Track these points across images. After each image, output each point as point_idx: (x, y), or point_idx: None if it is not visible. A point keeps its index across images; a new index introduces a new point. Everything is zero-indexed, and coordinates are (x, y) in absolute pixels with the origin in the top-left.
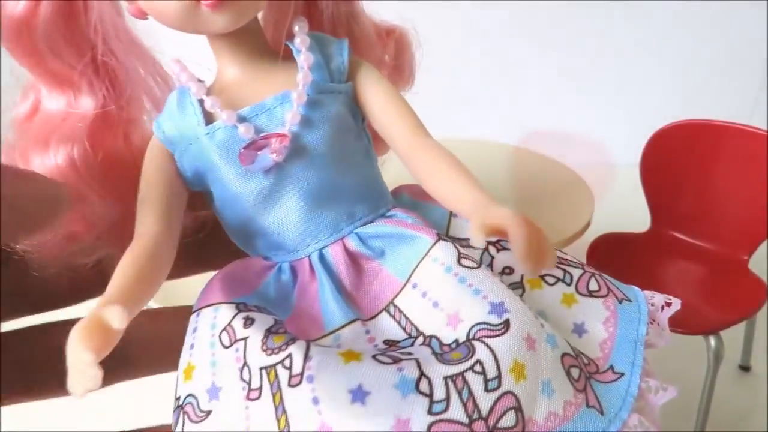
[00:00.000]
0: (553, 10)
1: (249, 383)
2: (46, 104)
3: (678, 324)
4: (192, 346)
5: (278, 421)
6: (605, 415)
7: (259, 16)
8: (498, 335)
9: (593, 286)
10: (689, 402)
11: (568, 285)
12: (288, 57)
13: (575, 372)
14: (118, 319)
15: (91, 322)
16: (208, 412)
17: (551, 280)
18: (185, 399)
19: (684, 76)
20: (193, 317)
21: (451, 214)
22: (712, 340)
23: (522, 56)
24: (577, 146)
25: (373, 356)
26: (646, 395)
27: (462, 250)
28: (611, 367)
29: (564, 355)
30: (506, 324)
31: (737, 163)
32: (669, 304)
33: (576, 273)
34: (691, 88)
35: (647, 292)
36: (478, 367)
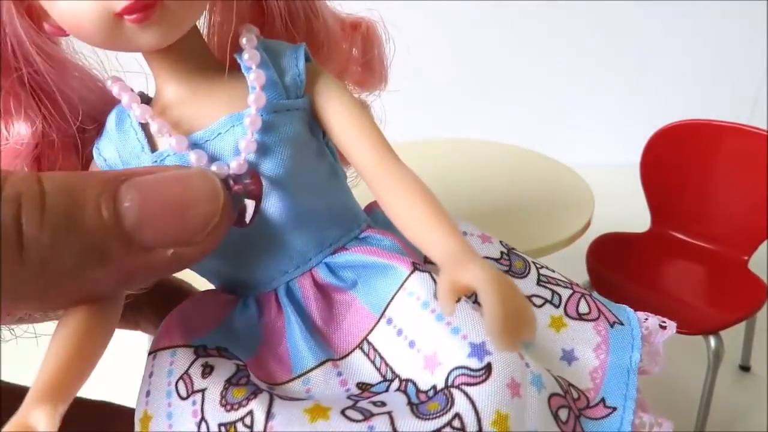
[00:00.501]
0: (554, 10)
1: None
2: None
3: (678, 324)
4: (148, 393)
5: None
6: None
7: (201, 22)
8: (479, 382)
9: (583, 308)
10: (689, 402)
11: (557, 307)
12: (236, 68)
13: (563, 413)
14: (44, 424)
15: (18, 427)
16: None
17: (539, 301)
18: None
19: (684, 76)
20: (149, 359)
21: None
22: (712, 340)
23: (523, 57)
24: (577, 146)
25: (342, 411)
26: (645, 408)
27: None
28: (603, 400)
29: (552, 396)
30: (488, 369)
31: (737, 163)
32: (664, 327)
33: (565, 294)
34: (691, 88)
35: (640, 314)
36: (456, 422)
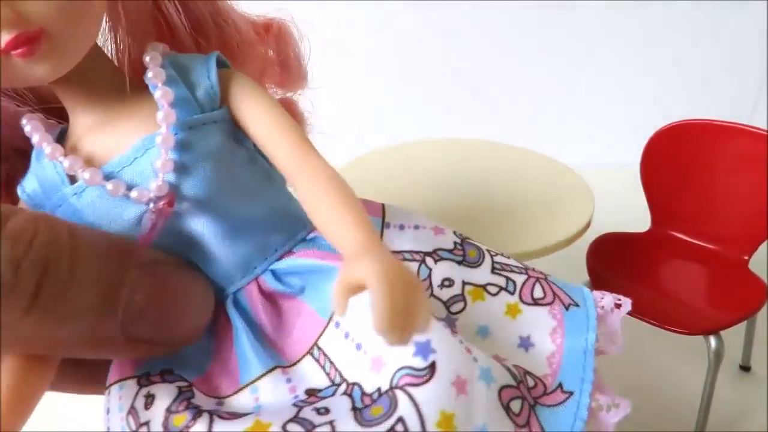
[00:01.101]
0: (554, 9)
1: None
2: None
3: (678, 324)
4: (108, 429)
5: None
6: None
7: (104, 41)
8: (423, 383)
9: (538, 293)
10: (689, 402)
11: (512, 294)
12: (147, 89)
13: (516, 405)
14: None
15: None
16: None
17: (494, 289)
18: None
19: (684, 76)
20: (105, 396)
21: (384, 224)
22: (712, 340)
23: (522, 56)
24: (577, 146)
25: (284, 426)
26: (597, 414)
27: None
28: (560, 385)
29: (503, 388)
30: (432, 368)
31: (737, 163)
32: (619, 306)
33: (519, 280)
34: (691, 88)
35: (597, 293)
36: (399, 427)
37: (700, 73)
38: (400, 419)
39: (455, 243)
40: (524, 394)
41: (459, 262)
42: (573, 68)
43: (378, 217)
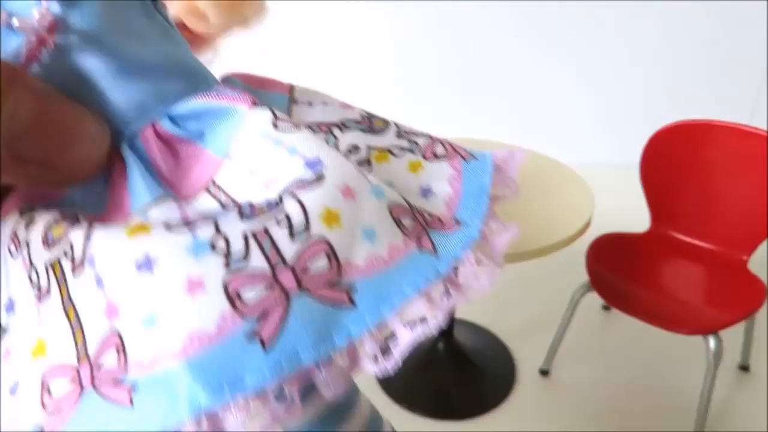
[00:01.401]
0: (554, 10)
1: (39, 285)
2: None
3: (678, 324)
4: None
5: (67, 313)
6: (440, 257)
7: None
8: (310, 188)
9: (440, 150)
10: (689, 402)
11: (415, 153)
12: None
13: (407, 222)
14: None
15: None
16: (5, 329)
17: (398, 151)
18: None
19: (684, 76)
20: None
21: (290, 100)
22: (712, 340)
23: (523, 56)
24: (577, 146)
25: (166, 226)
26: (487, 237)
27: (279, 114)
28: (456, 220)
29: (394, 205)
30: (320, 177)
31: (737, 163)
32: (513, 156)
33: (422, 141)
34: (691, 88)
35: (496, 151)
36: (282, 218)
37: (700, 73)
38: (286, 215)
39: (362, 116)
40: (417, 217)
41: (364, 131)
42: (573, 68)
43: (285, 93)
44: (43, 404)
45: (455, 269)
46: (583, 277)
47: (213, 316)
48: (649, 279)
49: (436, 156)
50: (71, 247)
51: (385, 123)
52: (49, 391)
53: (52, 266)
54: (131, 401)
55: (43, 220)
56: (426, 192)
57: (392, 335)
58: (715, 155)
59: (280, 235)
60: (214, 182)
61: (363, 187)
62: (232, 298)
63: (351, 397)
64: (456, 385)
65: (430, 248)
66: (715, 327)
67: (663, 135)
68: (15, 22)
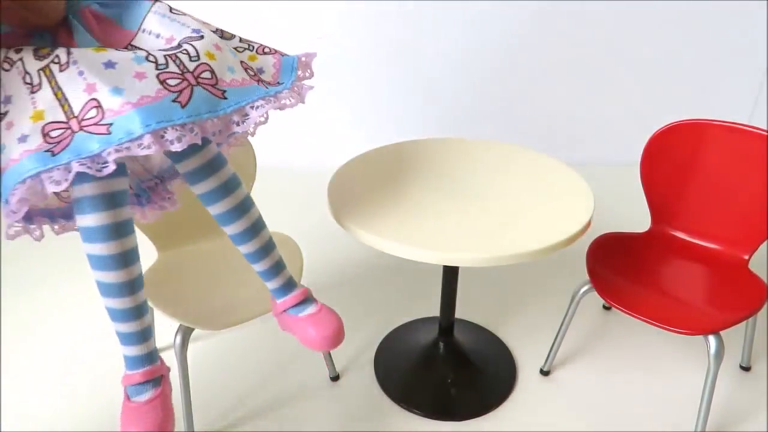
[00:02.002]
0: (554, 10)
1: (31, 83)
2: None
3: (678, 324)
4: None
5: (55, 94)
6: (268, 89)
7: None
8: (197, 41)
9: (267, 50)
10: (689, 402)
11: (251, 51)
12: None
13: (251, 72)
14: None
15: None
16: (6, 113)
17: (242, 48)
18: None
19: (684, 76)
20: None
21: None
22: (712, 340)
23: (523, 57)
24: (577, 146)
25: (116, 49)
26: (296, 88)
27: (173, 7)
28: (278, 82)
29: (243, 62)
30: (201, 36)
31: (737, 163)
32: (308, 58)
33: (256, 45)
34: (691, 88)
35: (302, 54)
36: (184, 50)
37: (700, 73)
38: (184, 49)
39: (216, 28)
40: (257, 73)
41: (220, 36)
42: (573, 69)
43: (150, 1)
44: (47, 141)
45: (279, 94)
46: (583, 277)
47: (153, 89)
48: (649, 279)
49: (264, 53)
50: (58, 57)
51: (232, 34)
52: (49, 135)
53: (43, 69)
54: (108, 131)
55: (28, 48)
56: (261, 71)
57: (246, 115)
58: (715, 155)
59: (184, 58)
60: (131, 44)
61: (226, 47)
62: (162, 82)
63: (223, 158)
64: (456, 385)
65: (264, 85)
66: (716, 327)
67: (663, 135)
68: None
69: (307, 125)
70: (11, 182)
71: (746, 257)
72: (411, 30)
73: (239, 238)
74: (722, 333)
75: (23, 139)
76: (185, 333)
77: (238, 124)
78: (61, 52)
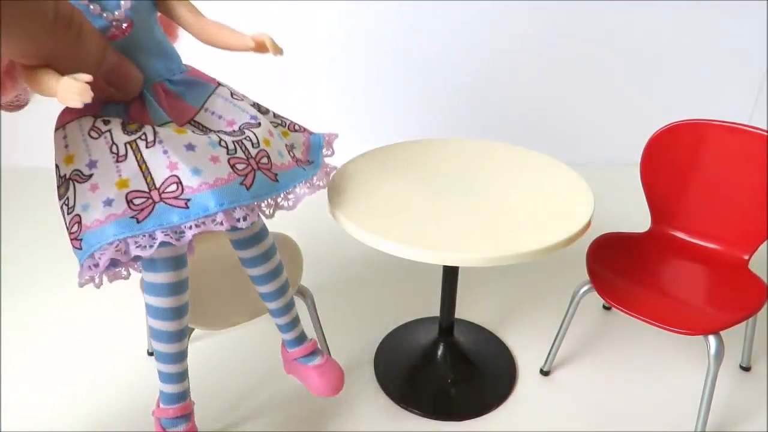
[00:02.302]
0: (555, 10)
1: (117, 153)
2: None
3: (678, 324)
4: (66, 146)
5: (140, 166)
6: (306, 171)
7: None
8: (255, 128)
9: (297, 127)
10: (689, 402)
11: (284, 126)
12: None
13: (291, 153)
14: (86, 77)
15: (69, 80)
16: (90, 176)
17: (275, 123)
18: (70, 174)
19: (684, 76)
20: (58, 132)
21: (214, 91)
22: (712, 340)
23: (523, 57)
24: (577, 146)
25: (191, 130)
26: (323, 165)
27: (233, 91)
28: (309, 160)
29: (286, 145)
30: (258, 123)
31: (737, 163)
32: (333, 137)
33: (287, 121)
34: (691, 88)
35: (325, 132)
36: (247, 137)
37: (700, 73)
38: (248, 136)
39: (253, 102)
40: (294, 155)
41: (257, 111)
42: (573, 69)
43: (214, 85)
44: (131, 208)
45: (312, 177)
46: (583, 277)
47: (225, 172)
48: (649, 279)
49: (295, 130)
50: (145, 135)
51: (267, 109)
52: (132, 202)
53: (130, 143)
54: (187, 206)
55: (117, 121)
56: (293, 147)
57: (292, 193)
58: (715, 155)
59: (248, 145)
60: (194, 120)
61: (275, 132)
62: (232, 166)
63: (266, 231)
64: (456, 385)
65: (302, 166)
66: (716, 327)
67: (663, 135)
68: (105, 14)
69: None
70: (96, 240)
71: (746, 257)
72: (410, 30)
73: (269, 296)
74: (722, 333)
75: (108, 202)
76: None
77: (286, 201)
78: (148, 130)
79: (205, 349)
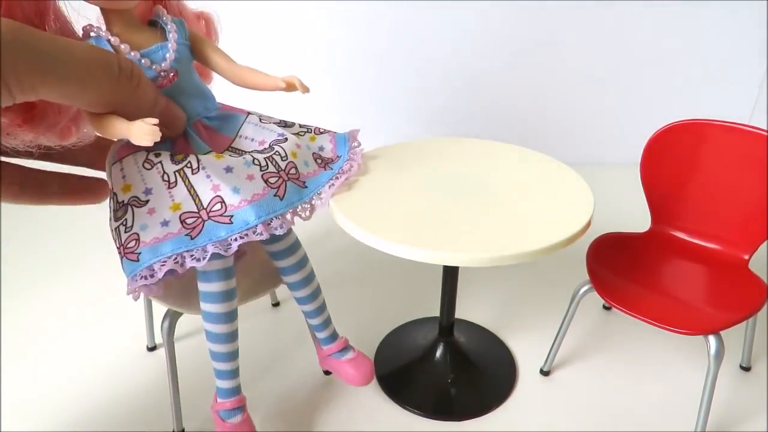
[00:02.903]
0: (554, 10)
1: (168, 181)
2: None
3: (678, 324)
4: (123, 177)
5: (189, 190)
6: (332, 170)
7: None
8: (283, 143)
9: (321, 130)
10: (689, 402)
11: (311, 132)
12: (147, 24)
13: (318, 161)
14: (153, 120)
15: (144, 123)
16: (147, 201)
17: (303, 133)
18: (128, 200)
19: (684, 76)
20: (116, 166)
21: (245, 119)
22: (712, 340)
23: (523, 57)
24: (577, 146)
25: (229, 155)
26: (352, 156)
27: (261, 116)
28: (337, 155)
29: (313, 153)
30: (286, 139)
31: (737, 163)
32: (357, 130)
33: (312, 127)
34: (691, 88)
35: (349, 130)
36: (276, 152)
37: (700, 73)
38: (277, 151)
39: (279, 120)
40: (322, 159)
41: (284, 126)
42: (573, 69)
43: (244, 114)
44: (185, 227)
45: (340, 172)
46: (584, 277)
47: (260, 187)
48: (649, 279)
49: (320, 132)
50: (190, 163)
51: (292, 122)
52: (185, 222)
53: (178, 171)
54: (231, 221)
55: (166, 154)
56: (320, 149)
57: (321, 195)
58: (715, 155)
59: (278, 159)
60: (231, 147)
61: (302, 144)
62: (266, 181)
63: (299, 242)
64: (456, 385)
65: (329, 167)
66: (716, 327)
67: (663, 135)
68: (153, 66)
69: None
70: (154, 254)
71: (746, 257)
72: (410, 30)
73: (304, 299)
74: (722, 333)
75: (165, 223)
76: (172, 318)
77: (319, 200)
78: (192, 159)
79: (195, 345)
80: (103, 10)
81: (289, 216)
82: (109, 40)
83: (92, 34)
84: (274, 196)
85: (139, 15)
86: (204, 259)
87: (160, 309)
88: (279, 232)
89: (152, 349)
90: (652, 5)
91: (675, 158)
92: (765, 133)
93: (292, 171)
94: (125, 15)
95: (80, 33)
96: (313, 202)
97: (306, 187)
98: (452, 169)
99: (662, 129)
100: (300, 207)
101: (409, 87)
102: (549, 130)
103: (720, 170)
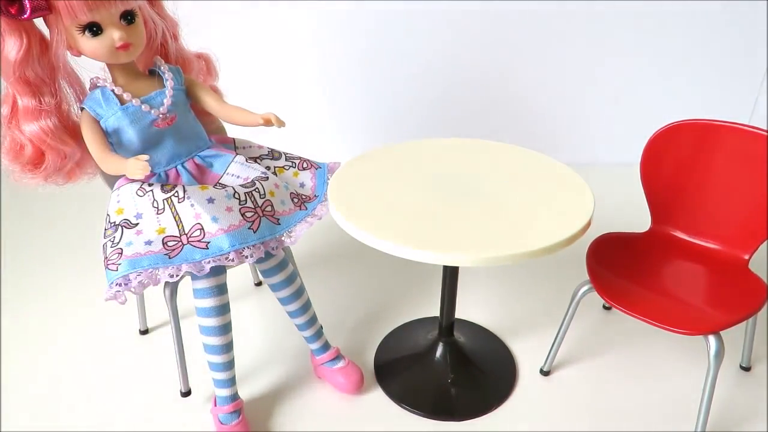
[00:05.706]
0: (555, 10)
1: (157, 208)
2: (22, 103)
3: (678, 324)
4: (119, 201)
5: (174, 218)
6: (308, 210)
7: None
8: (264, 181)
9: (306, 165)
10: (689, 402)
11: (295, 167)
12: (148, 73)
13: (296, 200)
14: (145, 157)
15: (137, 161)
16: (137, 224)
17: (287, 167)
18: (120, 222)
19: (684, 76)
20: (114, 193)
21: (236, 147)
22: (712, 340)
23: (523, 57)
24: (577, 146)
25: (212, 187)
26: (326, 198)
27: (247, 158)
28: (315, 195)
29: (291, 192)
30: (266, 177)
31: (737, 163)
32: (336, 164)
33: (296, 161)
34: (691, 88)
35: (329, 163)
36: (257, 189)
37: (700, 73)
38: (256, 188)
39: (268, 150)
40: (300, 197)
41: (271, 159)
42: (574, 69)
43: (232, 144)
44: (165, 248)
45: (313, 212)
46: (584, 277)
47: (237, 219)
48: (649, 279)
49: (303, 168)
50: (177, 193)
51: (279, 153)
52: (167, 244)
53: (167, 200)
54: (207, 247)
55: (157, 184)
56: (302, 185)
57: (291, 233)
58: (715, 155)
59: (256, 195)
60: (219, 183)
61: (281, 184)
62: (243, 214)
63: (287, 261)
64: (456, 385)
65: (305, 205)
66: (716, 327)
67: (663, 135)
68: (152, 111)
69: (308, 126)
70: (132, 266)
71: (746, 257)
72: (410, 30)
73: (295, 313)
74: (722, 333)
75: (149, 242)
76: (173, 285)
77: (288, 238)
78: (179, 189)
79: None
80: (107, 63)
81: (261, 247)
82: (113, 90)
83: (99, 84)
84: (249, 228)
85: (141, 64)
86: (177, 276)
87: (150, 293)
88: (249, 260)
89: (144, 332)
90: (652, 5)
91: (675, 158)
92: (765, 133)
93: (268, 208)
94: (127, 67)
95: (88, 84)
96: (283, 238)
97: (279, 224)
98: (453, 170)
99: (662, 129)
100: (273, 240)
101: (409, 88)
102: (549, 131)
103: (720, 170)
